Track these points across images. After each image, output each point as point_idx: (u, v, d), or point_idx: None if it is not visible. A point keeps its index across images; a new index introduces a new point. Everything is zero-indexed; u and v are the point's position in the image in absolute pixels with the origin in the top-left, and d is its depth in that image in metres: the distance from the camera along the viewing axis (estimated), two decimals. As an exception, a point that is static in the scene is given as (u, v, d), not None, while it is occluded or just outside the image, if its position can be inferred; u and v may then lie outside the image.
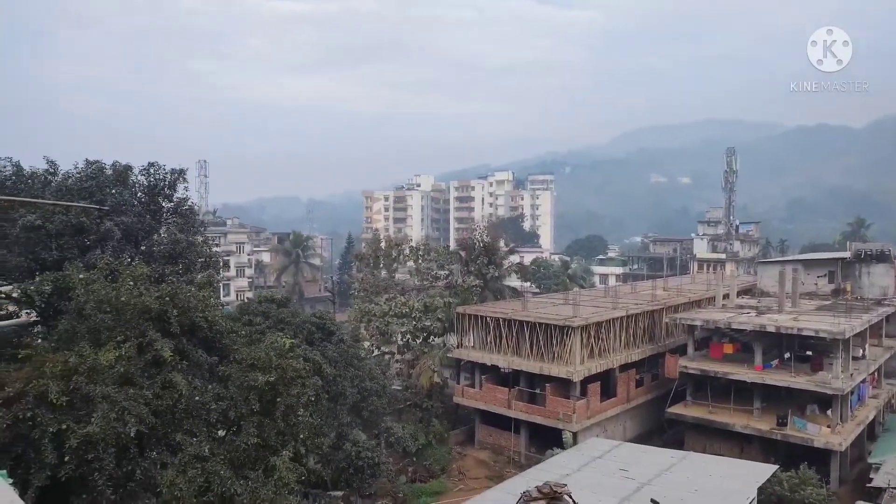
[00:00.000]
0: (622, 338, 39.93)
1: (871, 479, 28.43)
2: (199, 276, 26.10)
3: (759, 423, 34.06)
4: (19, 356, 16.18)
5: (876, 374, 39.78)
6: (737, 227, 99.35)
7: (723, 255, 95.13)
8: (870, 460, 31.95)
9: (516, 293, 55.84)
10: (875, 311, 40.70)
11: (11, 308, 24.25)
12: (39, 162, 27.54)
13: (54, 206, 23.07)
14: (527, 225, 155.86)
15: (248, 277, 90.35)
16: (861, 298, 46.23)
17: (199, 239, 29.78)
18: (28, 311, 23.82)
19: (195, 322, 17.71)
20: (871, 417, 36.53)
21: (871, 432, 37.16)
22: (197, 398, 16.34)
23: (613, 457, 28.44)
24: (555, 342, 36.83)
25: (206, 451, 15.60)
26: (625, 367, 39.63)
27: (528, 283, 77.12)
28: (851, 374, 34.24)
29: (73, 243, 24.29)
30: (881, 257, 47.80)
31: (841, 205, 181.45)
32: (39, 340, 19.40)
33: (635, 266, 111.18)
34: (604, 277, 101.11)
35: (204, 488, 15.01)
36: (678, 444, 35.45)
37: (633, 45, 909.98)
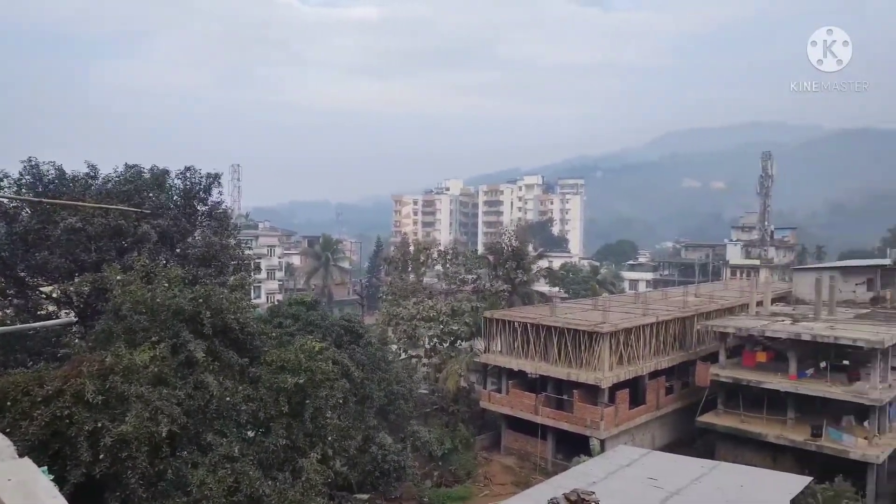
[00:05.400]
0: (652, 344, 39.42)
1: (910, 494, 27.59)
2: (231, 279, 26.55)
3: (792, 434, 33.30)
4: (58, 355, 16.67)
5: (917, 385, 38.56)
6: (772, 232, 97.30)
7: (757, 262, 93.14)
8: (909, 474, 31.01)
9: (545, 298, 55.55)
10: (916, 320, 39.50)
11: (52, 308, 25.03)
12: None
13: (94, 209, 23.75)
14: (556, 229, 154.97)
15: (279, 280, 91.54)
16: (901, 307, 44.92)
17: (232, 242, 30.32)
18: (67, 311, 24.58)
19: (227, 324, 18.02)
20: (911, 430, 35.43)
21: (911, 446, 36.01)
22: (228, 399, 16.62)
23: (642, 465, 28.12)
24: (583, 348, 36.53)
25: (236, 451, 15.85)
26: (654, 375, 39.10)
27: (557, 288, 76.69)
28: (890, 385, 33.28)
29: (112, 245, 24.96)
30: (923, 265, 46.43)
31: (883, 211, 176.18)
32: (77, 340, 19.96)
33: (666, 272, 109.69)
34: (634, 283, 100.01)
35: (233, 488, 15.25)
36: (709, 454, 34.80)
37: (692, 49, 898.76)
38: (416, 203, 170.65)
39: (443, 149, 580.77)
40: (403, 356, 44.90)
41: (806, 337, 34.51)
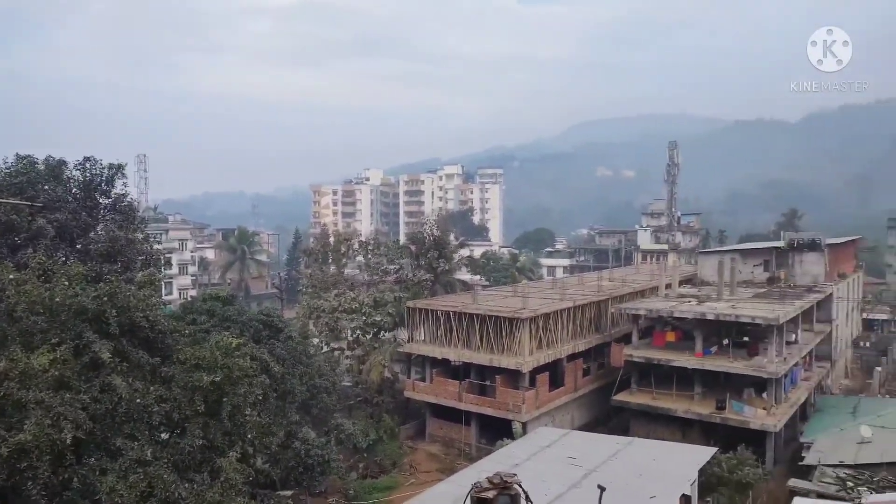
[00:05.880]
0: (569, 328, 40.72)
1: (803, 458, 29.87)
2: (139, 275, 25.28)
3: (699, 408, 35.33)
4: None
5: (808, 357, 41.77)
6: (678, 218, 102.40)
7: (665, 246, 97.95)
8: (802, 440, 33.57)
9: (466, 286, 56.21)
10: (807, 297, 42.73)
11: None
12: None
13: (-21, 203, 21.96)
14: (476, 218, 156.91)
15: (192, 275, 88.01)
16: (794, 286, 48.42)
17: (139, 236, 28.97)
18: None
19: (135, 322, 17.15)
20: (803, 399, 38.36)
21: (803, 413, 39.01)
22: (138, 401, 15.84)
23: (562, 445, 29.03)
24: (504, 334, 37.26)
25: (149, 454, 15.15)
26: (572, 357, 40.44)
27: (479, 277, 77.76)
28: (785, 359, 35.86)
29: (3, 242, 23.21)
30: (812, 246, 50.12)
31: (776, 197, 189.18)
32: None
33: (582, 258, 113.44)
34: (552, 269, 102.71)
35: (147, 493, 14.57)
36: (624, 431, 36.45)
37: (602, 42, 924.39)
38: (335, 193, 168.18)
39: (361, 139, 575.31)
40: (325, 349, 44.32)
41: (710, 316, 36.65)
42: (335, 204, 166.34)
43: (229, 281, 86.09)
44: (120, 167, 28.78)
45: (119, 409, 15.46)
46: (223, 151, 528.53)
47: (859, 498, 23.17)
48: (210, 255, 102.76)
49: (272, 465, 24.43)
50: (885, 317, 70.73)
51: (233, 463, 16.21)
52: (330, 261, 55.08)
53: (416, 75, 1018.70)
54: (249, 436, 17.98)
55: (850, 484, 25.26)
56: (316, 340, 43.43)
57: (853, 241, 63.25)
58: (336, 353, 45.45)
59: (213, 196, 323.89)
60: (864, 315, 65.43)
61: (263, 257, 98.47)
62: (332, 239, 58.48)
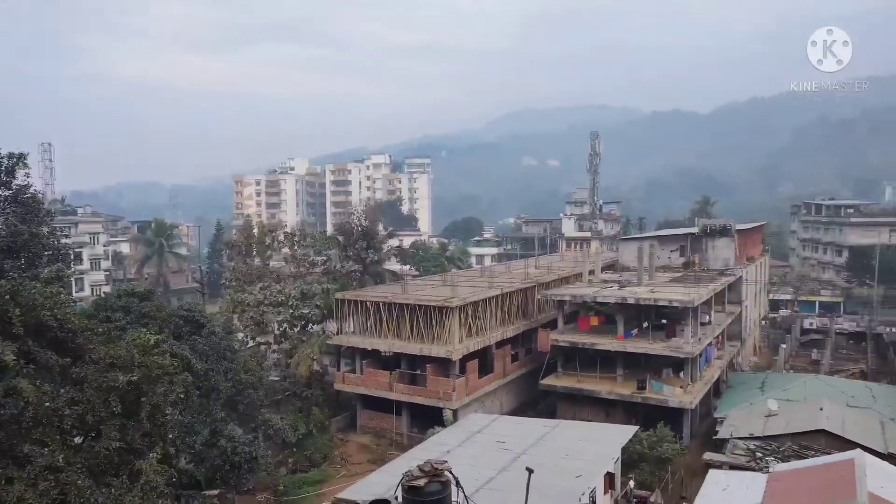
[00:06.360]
0: (498, 315, 41.36)
1: (716, 432, 31.65)
2: (45, 271, 23.82)
3: (621, 389, 36.75)
4: None
5: (720, 337, 44.17)
6: (600, 206, 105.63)
7: (588, 234, 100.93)
8: (716, 415, 35.53)
9: (396, 277, 56.07)
10: (719, 280, 45.11)
11: None
12: None
13: None
14: (405, 208, 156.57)
15: (105, 270, 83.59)
16: (707, 269, 51.00)
17: (45, 230, 27.26)
18: None
19: (42, 321, 16.12)
20: (716, 377, 40.57)
21: (716, 390, 41.26)
22: (47, 404, 14.92)
23: (491, 430, 29.55)
24: (434, 323, 37.43)
25: (61, 460, 14.32)
26: (501, 344, 41.12)
27: (408, 267, 77.62)
28: (700, 339, 37.76)
29: None
30: (724, 232, 52.89)
31: (691, 185, 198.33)
32: None
33: (509, 246, 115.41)
34: (480, 258, 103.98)
35: (59, 501, 13.80)
36: (551, 414, 37.48)
37: (525, 34, 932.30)
38: (258, 184, 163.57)
39: (283, 128, 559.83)
40: (251, 344, 43.23)
41: (631, 301, 38.10)
42: (259, 195, 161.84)
43: (146, 276, 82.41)
44: (21, 156, 26.95)
45: (26, 413, 14.51)
46: (137, 140, 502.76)
47: (767, 467, 24.77)
48: (125, 248, 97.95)
49: (197, 464, 23.68)
50: (788, 297, 75.76)
51: (153, 465, 15.60)
52: (254, 253, 53.55)
53: (335, 63, 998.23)
54: (171, 436, 17.36)
55: (759, 455, 26.99)
56: (241, 335, 42.28)
57: (760, 226, 67.30)
58: (262, 347, 44.40)
59: (127, 187, 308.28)
60: (771, 296, 69.88)
61: (183, 250, 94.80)
62: (255, 230, 56.87)
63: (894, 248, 78.95)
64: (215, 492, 24.66)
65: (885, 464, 24.08)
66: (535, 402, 41.70)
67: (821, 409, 30.22)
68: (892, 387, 40.95)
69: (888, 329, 55.81)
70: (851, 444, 25.92)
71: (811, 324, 63.78)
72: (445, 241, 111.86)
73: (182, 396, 18.03)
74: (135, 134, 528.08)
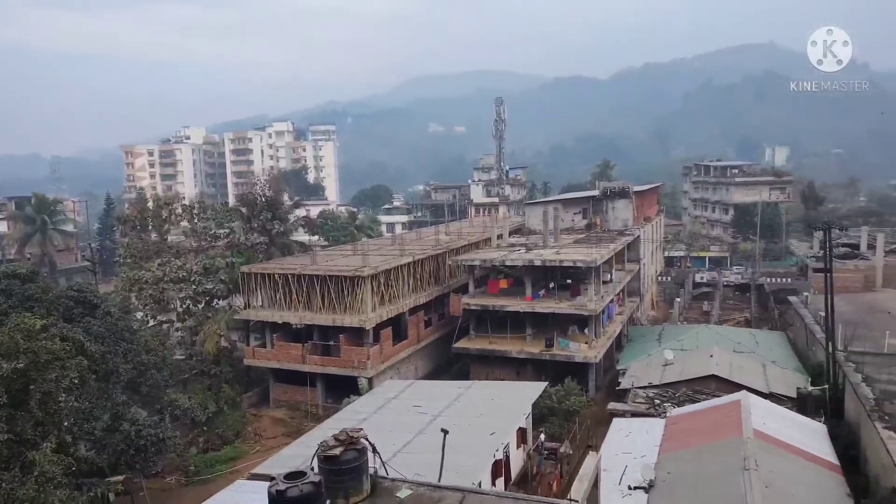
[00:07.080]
0: (410, 283, 41.48)
1: (619, 384, 33.53)
2: None
3: (531, 348, 38.04)
4: None
5: (621, 294, 46.47)
6: (507, 172, 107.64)
7: (496, 199, 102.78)
8: (618, 367, 37.58)
9: (305, 248, 54.78)
10: (619, 240, 47.26)
11: None
12: None
13: None
14: (311, 177, 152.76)
15: (-19, 251, 76.64)
16: (608, 230, 53.28)
17: None
18: None
19: None
20: (618, 331, 42.77)
21: (618, 344, 43.54)
22: (-81, 399, 13.63)
23: (407, 396, 29.91)
24: (346, 293, 37.06)
25: (-61, 458, 13.18)
26: (414, 310, 41.37)
27: (317, 237, 76.08)
28: (602, 297, 39.56)
29: None
30: (622, 194, 55.26)
31: (592, 149, 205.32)
32: None
33: (419, 213, 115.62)
34: (390, 226, 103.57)
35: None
36: (465, 376, 38.35)
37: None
38: (151, 154, 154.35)
39: (174, 94, 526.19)
40: (152, 323, 41.16)
41: (537, 263, 39.28)
42: (152, 166, 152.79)
43: (29, 256, 76.16)
44: None
45: None
46: (10, 109, 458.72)
47: (665, 412, 26.59)
48: (2, 227, 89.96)
49: (98, 451, 22.50)
50: (682, 254, 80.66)
51: (47, 455, 14.67)
52: (150, 228, 50.58)
53: (233, 26, 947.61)
54: (66, 423, 16.35)
55: (657, 401, 28.88)
56: (140, 314, 40.14)
57: (655, 187, 70.83)
58: (165, 326, 42.40)
59: (1, 160, 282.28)
60: (666, 253, 74.12)
61: (69, 227, 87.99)
62: (150, 204, 53.64)
63: (773, 205, 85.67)
64: (120, 477, 23.54)
65: (767, 402, 26.48)
66: (449, 365, 42.45)
67: (711, 356, 32.63)
68: (772, 332, 44.81)
69: (768, 280, 60.65)
70: (738, 387, 28.27)
71: (702, 278, 68.22)
72: (354, 209, 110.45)
73: (77, 382, 16.95)
74: (10, 103, 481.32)
